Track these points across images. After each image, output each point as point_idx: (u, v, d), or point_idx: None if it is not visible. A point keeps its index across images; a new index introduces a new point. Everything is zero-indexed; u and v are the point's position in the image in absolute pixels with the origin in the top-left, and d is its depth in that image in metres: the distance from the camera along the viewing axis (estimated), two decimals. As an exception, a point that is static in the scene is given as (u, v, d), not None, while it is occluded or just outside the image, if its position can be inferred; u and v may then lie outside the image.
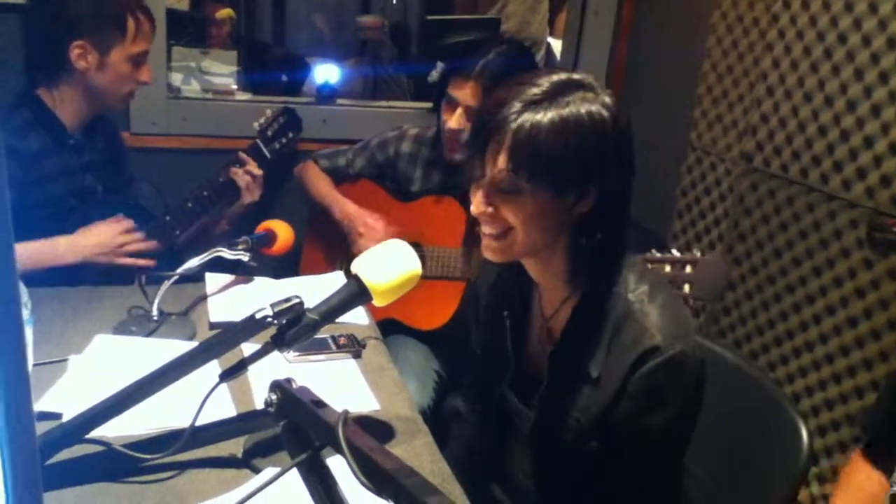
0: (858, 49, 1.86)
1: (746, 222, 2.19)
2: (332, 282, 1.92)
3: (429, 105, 2.50)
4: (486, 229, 1.20)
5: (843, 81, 1.90)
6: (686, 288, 1.66)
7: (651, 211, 2.61)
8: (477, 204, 1.19)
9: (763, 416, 1.43)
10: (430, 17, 2.88)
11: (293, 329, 1.09)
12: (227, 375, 1.11)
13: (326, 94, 2.70)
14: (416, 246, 2.16)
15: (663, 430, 1.18)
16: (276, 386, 0.88)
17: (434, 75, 2.92)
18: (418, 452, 1.27)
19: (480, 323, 1.46)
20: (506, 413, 1.39)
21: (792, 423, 1.36)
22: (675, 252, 1.72)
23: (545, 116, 1.11)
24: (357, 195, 2.28)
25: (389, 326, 2.07)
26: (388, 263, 1.14)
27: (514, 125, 1.12)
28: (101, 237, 1.80)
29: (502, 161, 1.13)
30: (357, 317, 1.68)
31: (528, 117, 1.11)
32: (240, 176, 2.08)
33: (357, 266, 1.14)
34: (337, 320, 1.15)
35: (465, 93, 1.94)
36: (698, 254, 1.72)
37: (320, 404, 0.83)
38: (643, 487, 1.24)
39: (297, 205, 2.48)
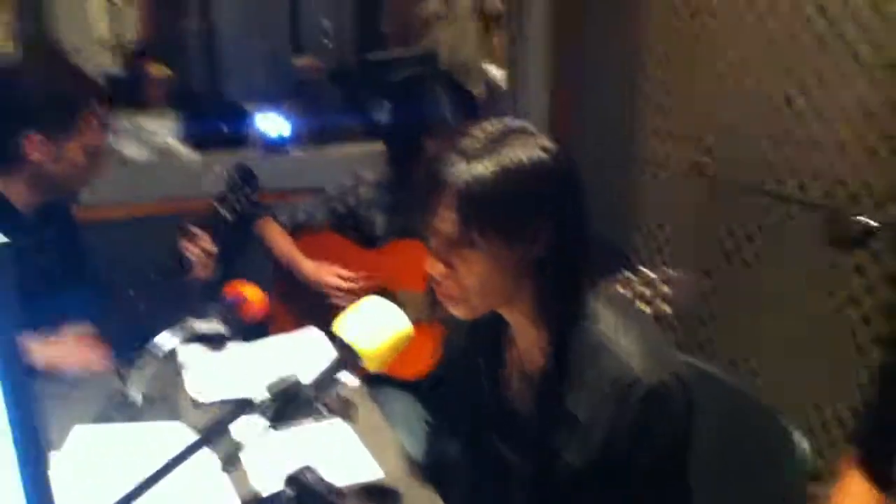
0: (794, 52, 1.90)
1: (708, 232, 2.23)
2: (307, 339, 1.89)
3: (378, 146, 2.49)
4: (441, 290, 1.20)
5: (786, 88, 1.94)
6: (666, 307, 1.68)
7: (610, 228, 2.63)
8: (431, 264, 1.18)
9: (757, 432, 1.44)
10: (370, 58, 2.88)
11: (290, 406, 1.08)
12: (228, 464, 1.08)
13: (278, 145, 2.67)
14: (388, 293, 2.16)
15: (657, 462, 1.17)
16: (292, 480, 0.86)
17: (382, 116, 2.92)
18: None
19: (457, 371, 1.45)
20: (499, 460, 1.37)
21: (788, 436, 1.38)
22: (647, 272, 1.73)
23: (486, 168, 1.11)
24: (320, 247, 2.25)
25: (371, 377, 2.03)
26: (377, 328, 1.12)
27: (455, 181, 1.11)
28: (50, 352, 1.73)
29: (449, 217, 1.13)
30: (343, 375, 1.65)
31: (469, 170, 1.11)
32: (191, 250, 1.94)
33: (344, 332, 1.11)
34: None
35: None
36: (670, 270, 1.74)
37: (340, 494, 0.81)
38: None
39: (262, 260, 2.44)
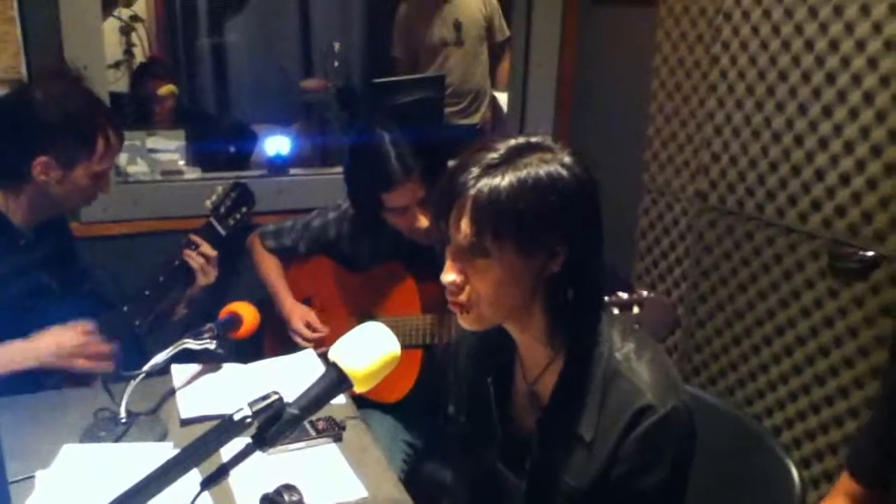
0: (800, 85, 1.90)
1: (708, 260, 2.22)
2: (303, 361, 1.88)
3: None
4: (453, 299, 1.20)
5: (789, 117, 1.94)
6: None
7: (614, 253, 2.62)
8: (446, 272, 1.19)
9: (752, 460, 1.42)
10: (375, 81, 2.89)
11: (274, 427, 1.06)
12: (207, 483, 1.06)
13: (278, 166, 2.68)
14: (371, 319, 2.13)
15: (660, 489, 1.18)
16: (268, 500, 0.84)
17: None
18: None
19: (461, 390, 1.44)
20: (496, 482, 1.36)
21: (783, 466, 1.36)
22: (621, 294, 1.71)
23: (503, 179, 1.12)
24: (310, 272, 2.25)
25: (357, 401, 2.02)
26: (366, 348, 1.11)
27: (472, 190, 1.13)
28: (58, 339, 1.72)
29: (465, 225, 1.14)
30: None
31: (487, 181, 1.12)
32: (193, 258, 2.01)
33: (334, 354, 1.11)
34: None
35: (407, 195, 1.90)
36: (644, 293, 1.73)
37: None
38: None
39: (256, 280, 2.43)
